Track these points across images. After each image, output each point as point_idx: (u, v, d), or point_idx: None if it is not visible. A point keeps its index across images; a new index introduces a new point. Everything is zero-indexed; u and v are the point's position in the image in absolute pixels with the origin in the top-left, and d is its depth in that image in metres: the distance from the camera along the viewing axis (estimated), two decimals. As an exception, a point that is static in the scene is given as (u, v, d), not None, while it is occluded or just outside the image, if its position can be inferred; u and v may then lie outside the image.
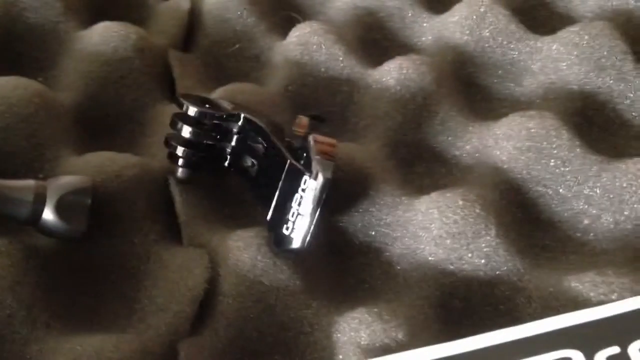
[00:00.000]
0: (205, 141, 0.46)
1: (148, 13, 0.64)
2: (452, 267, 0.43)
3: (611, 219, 0.46)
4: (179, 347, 0.39)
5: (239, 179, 0.48)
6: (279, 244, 0.42)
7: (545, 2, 0.64)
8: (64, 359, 0.37)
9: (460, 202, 0.44)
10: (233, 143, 0.47)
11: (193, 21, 0.63)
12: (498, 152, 0.49)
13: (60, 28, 0.58)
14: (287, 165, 0.43)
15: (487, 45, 0.59)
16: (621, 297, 0.39)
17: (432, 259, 0.44)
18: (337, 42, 0.57)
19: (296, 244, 0.42)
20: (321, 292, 0.43)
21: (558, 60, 0.56)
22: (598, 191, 0.47)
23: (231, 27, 0.61)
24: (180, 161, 0.47)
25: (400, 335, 0.39)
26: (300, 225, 0.42)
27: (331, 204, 0.44)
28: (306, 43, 0.57)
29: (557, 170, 0.48)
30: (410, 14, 0.64)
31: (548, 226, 0.47)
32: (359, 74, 0.56)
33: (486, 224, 0.44)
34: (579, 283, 0.40)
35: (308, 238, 0.42)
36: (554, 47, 0.57)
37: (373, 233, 0.47)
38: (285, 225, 0.42)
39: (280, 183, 0.43)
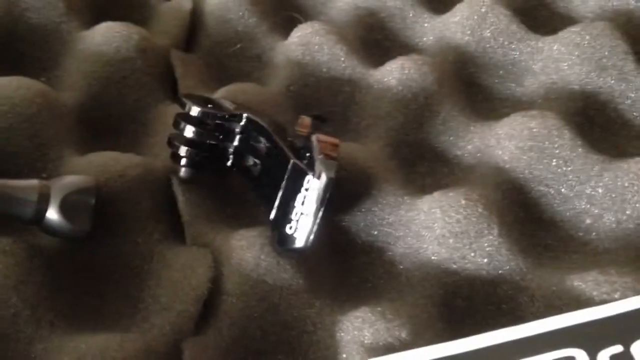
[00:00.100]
0: (208, 141, 0.47)
1: (150, 13, 0.64)
2: (454, 266, 0.43)
3: (613, 219, 0.46)
4: (183, 346, 0.39)
5: (242, 178, 0.48)
6: (283, 243, 0.42)
7: (546, 3, 0.65)
8: (69, 357, 0.38)
9: (463, 202, 0.45)
10: (236, 143, 0.47)
11: (195, 21, 0.63)
12: (500, 152, 0.50)
13: (62, 28, 0.58)
14: (290, 165, 0.43)
15: (488, 45, 0.59)
16: (624, 296, 0.39)
17: (435, 258, 0.44)
18: (339, 43, 0.57)
19: (299, 243, 0.42)
20: (324, 291, 0.43)
21: (559, 60, 0.56)
22: (600, 191, 0.47)
23: (233, 27, 0.62)
24: (183, 161, 0.47)
25: (403, 334, 0.39)
26: (303, 224, 0.42)
27: (334, 203, 0.44)
28: (308, 43, 0.57)
29: (559, 170, 0.48)
30: (411, 15, 0.64)
31: (550, 225, 0.48)
32: (360, 74, 0.57)
33: (489, 224, 0.44)
34: (581, 282, 0.41)
35: (311, 237, 0.42)
36: (555, 48, 0.57)
37: (375, 232, 0.47)
38: (288, 225, 0.42)
39: (283, 182, 0.43)
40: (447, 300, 0.43)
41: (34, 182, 0.42)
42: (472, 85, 0.58)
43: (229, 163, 0.48)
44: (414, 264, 0.45)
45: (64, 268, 0.43)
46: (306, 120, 0.46)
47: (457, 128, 0.53)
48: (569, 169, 0.48)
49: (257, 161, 0.47)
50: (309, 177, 0.42)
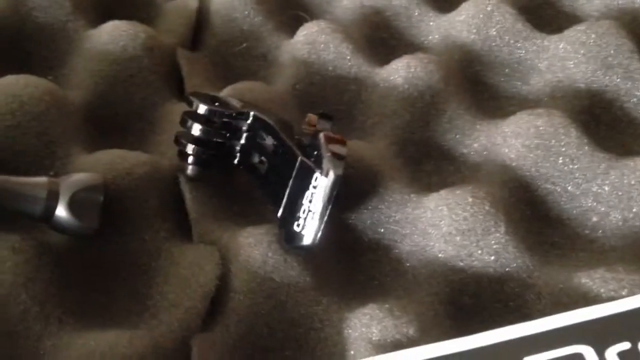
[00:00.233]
0: (215, 139, 0.47)
1: (156, 12, 0.64)
2: (461, 263, 0.44)
3: (620, 216, 0.46)
4: (191, 342, 0.39)
5: (249, 176, 0.48)
6: (290, 240, 0.43)
7: (552, 1, 0.65)
8: (77, 354, 0.38)
9: (470, 199, 0.45)
10: (242, 141, 0.47)
11: (201, 20, 0.63)
12: (506, 150, 0.50)
13: (69, 27, 0.58)
14: (298, 162, 0.43)
15: (494, 44, 0.59)
16: (632, 293, 0.39)
17: (442, 255, 0.44)
18: (345, 41, 0.57)
19: (307, 240, 0.42)
20: (331, 289, 0.43)
21: (565, 58, 0.56)
22: (606, 188, 0.47)
23: (238, 26, 0.62)
24: (190, 159, 0.47)
25: (411, 331, 0.39)
26: (311, 222, 0.42)
27: (341, 201, 0.44)
28: (313, 42, 0.57)
29: (565, 168, 0.48)
30: (417, 13, 0.64)
31: (557, 223, 0.48)
32: (366, 72, 0.57)
33: (495, 221, 0.44)
34: (589, 279, 0.41)
35: (319, 235, 0.42)
36: (561, 46, 0.57)
37: (382, 230, 0.47)
38: (296, 222, 0.42)
39: (290, 180, 0.43)
40: (454, 298, 0.43)
41: (43, 179, 0.43)
42: (478, 84, 0.58)
43: (236, 161, 0.48)
44: (420, 261, 0.45)
45: (72, 265, 0.43)
46: (313, 118, 0.46)
47: (463, 126, 0.54)
48: (576, 166, 0.48)
49: (264, 159, 0.47)
50: (317, 175, 0.42)
